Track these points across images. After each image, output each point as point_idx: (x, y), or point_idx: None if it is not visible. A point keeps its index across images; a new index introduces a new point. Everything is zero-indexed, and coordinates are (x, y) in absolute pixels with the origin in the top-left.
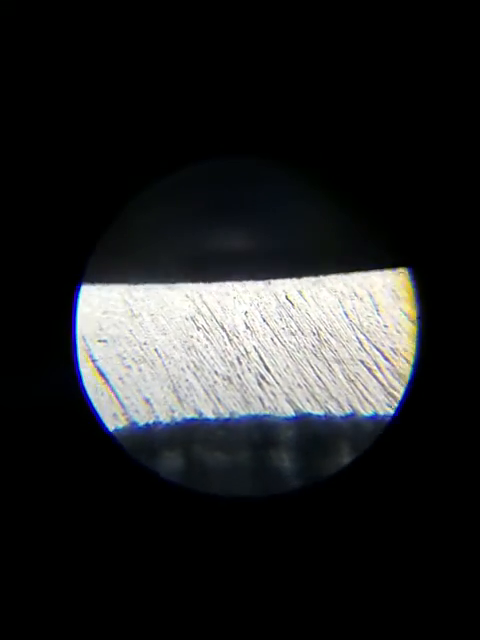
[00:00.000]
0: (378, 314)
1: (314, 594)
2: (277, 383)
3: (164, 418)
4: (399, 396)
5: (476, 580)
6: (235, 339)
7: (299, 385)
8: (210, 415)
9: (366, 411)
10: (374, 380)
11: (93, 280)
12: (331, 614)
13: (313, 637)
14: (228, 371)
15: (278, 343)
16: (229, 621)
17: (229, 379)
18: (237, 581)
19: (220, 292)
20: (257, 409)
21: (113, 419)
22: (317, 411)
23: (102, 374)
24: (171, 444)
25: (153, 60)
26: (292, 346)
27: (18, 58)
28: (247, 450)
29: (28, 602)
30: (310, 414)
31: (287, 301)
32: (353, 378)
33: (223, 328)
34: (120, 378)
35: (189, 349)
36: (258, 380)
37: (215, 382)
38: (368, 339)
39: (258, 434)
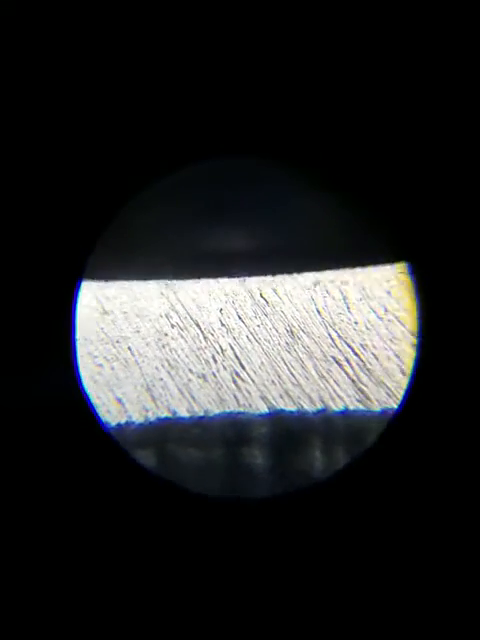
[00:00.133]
0: (349, 311)
1: (314, 594)
2: (252, 381)
3: (137, 418)
4: (368, 391)
5: (476, 580)
6: (210, 337)
7: (273, 382)
8: (184, 414)
9: (337, 406)
10: (344, 375)
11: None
12: (331, 614)
13: (313, 637)
14: (203, 369)
15: (253, 340)
16: (229, 621)
17: (204, 377)
18: (237, 581)
19: (195, 290)
20: (232, 406)
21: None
22: (290, 407)
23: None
24: (144, 443)
25: (153, 60)
26: (267, 343)
27: (18, 58)
28: (221, 447)
29: (28, 602)
30: (283, 410)
31: (261, 299)
32: (325, 374)
33: (198, 325)
34: (92, 377)
35: (163, 347)
36: (233, 377)
37: (190, 380)
38: (339, 336)
39: (232, 431)
